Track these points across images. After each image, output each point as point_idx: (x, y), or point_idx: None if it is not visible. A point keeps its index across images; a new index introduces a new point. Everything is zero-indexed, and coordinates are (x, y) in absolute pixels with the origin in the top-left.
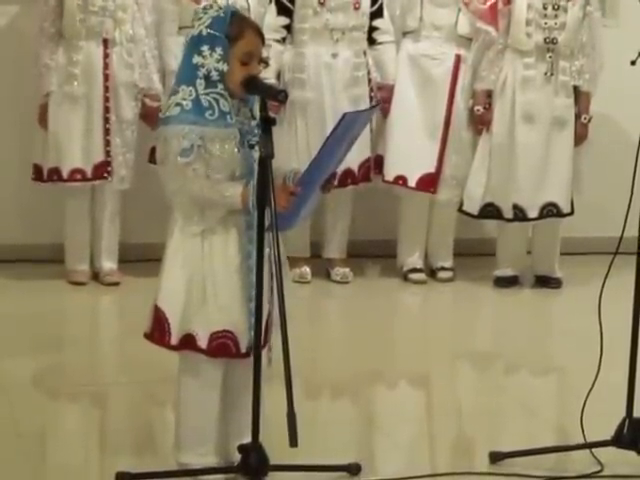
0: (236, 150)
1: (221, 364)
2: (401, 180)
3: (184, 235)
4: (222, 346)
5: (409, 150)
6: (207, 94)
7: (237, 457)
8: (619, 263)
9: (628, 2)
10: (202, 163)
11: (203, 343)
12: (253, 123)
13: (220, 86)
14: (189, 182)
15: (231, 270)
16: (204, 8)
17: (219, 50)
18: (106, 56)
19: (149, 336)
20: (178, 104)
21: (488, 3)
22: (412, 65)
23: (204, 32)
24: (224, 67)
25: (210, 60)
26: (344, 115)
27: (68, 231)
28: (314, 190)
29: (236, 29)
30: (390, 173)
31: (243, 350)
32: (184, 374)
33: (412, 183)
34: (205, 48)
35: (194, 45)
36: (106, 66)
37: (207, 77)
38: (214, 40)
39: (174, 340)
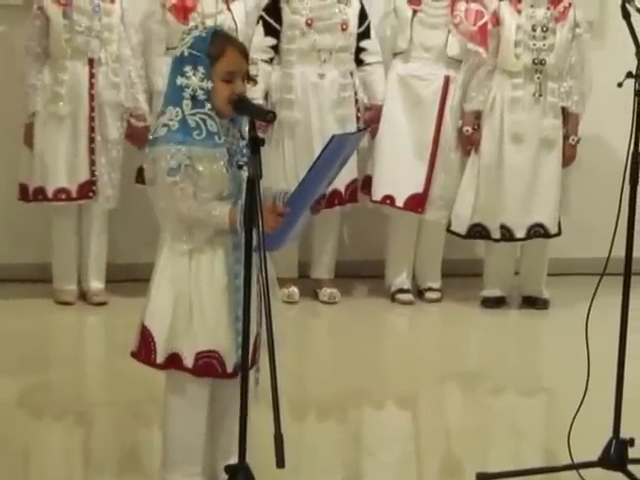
0: (224, 170)
1: (207, 384)
2: (389, 200)
3: (172, 254)
4: (207, 366)
5: (397, 170)
6: (194, 114)
7: (224, 477)
8: (606, 284)
9: (615, 23)
10: (190, 182)
11: (189, 362)
12: (242, 143)
13: (208, 106)
14: (177, 201)
15: (217, 290)
16: (189, 29)
17: (201, 69)
18: (92, 76)
19: (135, 354)
20: (165, 125)
21: (478, 24)
22: (401, 86)
23: (185, 53)
24: (209, 85)
25: (194, 80)
26: (332, 137)
27: (55, 250)
28: (303, 211)
29: (217, 47)
30: (378, 193)
31: (229, 370)
32: (170, 393)
33: (400, 203)
34: (188, 69)
35: (177, 66)
36: (92, 86)
37: (194, 97)
38: (195, 60)
39: (160, 359)
